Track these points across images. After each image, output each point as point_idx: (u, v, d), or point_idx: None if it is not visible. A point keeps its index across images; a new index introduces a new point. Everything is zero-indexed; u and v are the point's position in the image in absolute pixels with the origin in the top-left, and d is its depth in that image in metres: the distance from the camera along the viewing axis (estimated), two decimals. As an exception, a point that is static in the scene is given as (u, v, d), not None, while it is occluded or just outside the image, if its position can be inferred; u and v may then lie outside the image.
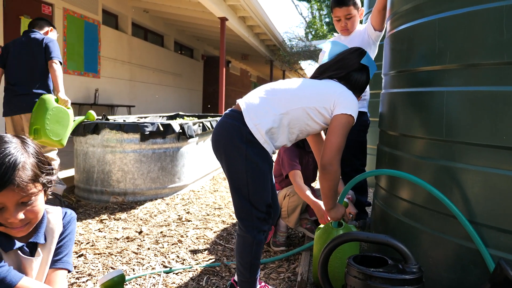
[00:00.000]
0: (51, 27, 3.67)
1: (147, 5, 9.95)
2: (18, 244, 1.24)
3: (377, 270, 1.34)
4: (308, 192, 2.25)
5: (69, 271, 1.41)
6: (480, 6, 1.39)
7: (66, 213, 1.41)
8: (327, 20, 20.98)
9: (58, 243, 1.38)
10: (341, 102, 1.63)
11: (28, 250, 1.29)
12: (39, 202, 1.22)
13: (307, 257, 2.27)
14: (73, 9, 7.79)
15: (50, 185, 1.27)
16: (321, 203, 2.13)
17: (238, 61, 18.61)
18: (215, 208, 3.46)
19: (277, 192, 2.49)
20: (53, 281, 1.35)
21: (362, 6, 2.73)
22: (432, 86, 1.58)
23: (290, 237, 2.68)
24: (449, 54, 1.50)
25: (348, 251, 1.85)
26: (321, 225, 2.06)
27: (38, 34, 3.44)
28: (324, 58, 1.90)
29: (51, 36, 3.60)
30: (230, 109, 1.71)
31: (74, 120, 3.32)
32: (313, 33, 19.94)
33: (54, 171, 1.28)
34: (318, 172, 1.68)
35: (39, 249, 1.32)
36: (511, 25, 1.30)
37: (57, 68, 3.31)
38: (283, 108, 1.62)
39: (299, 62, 17.10)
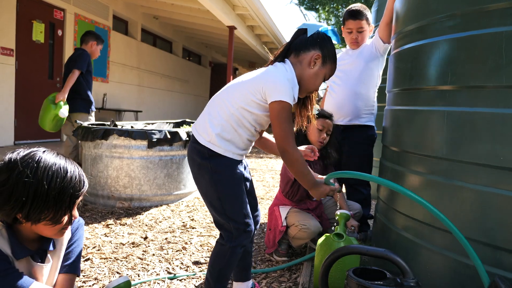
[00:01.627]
0: (95, 41, 4.48)
1: (157, 12, 10.10)
2: (29, 252, 1.32)
3: (375, 283, 1.38)
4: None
5: (77, 276, 1.47)
6: (481, 30, 1.45)
7: (74, 224, 1.50)
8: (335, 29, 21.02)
9: (66, 249, 1.45)
10: (268, 88, 1.56)
11: (38, 257, 1.37)
12: None
13: (309, 268, 2.31)
14: (84, 15, 7.94)
15: None
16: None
17: (246, 68, 18.74)
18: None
19: (288, 209, 2.52)
20: (62, 285, 1.42)
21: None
22: (434, 106, 1.63)
23: (292, 247, 2.72)
24: (450, 75, 1.55)
25: (348, 263, 1.89)
26: (323, 237, 2.10)
27: (78, 50, 4.43)
28: None
29: (93, 49, 4.49)
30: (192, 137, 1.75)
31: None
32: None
33: None
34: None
35: (48, 255, 1.40)
36: (510, 49, 1.35)
37: (72, 75, 4.24)
38: (222, 112, 1.62)
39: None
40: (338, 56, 3.04)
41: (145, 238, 2.81)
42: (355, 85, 2.79)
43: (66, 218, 1.32)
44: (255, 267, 2.40)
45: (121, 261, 2.38)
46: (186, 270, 2.30)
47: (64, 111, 4.17)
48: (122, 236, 2.84)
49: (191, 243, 2.76)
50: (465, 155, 1.48)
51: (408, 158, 1.80)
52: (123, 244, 2.66)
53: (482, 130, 1.43)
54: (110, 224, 3.09)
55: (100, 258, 2.40)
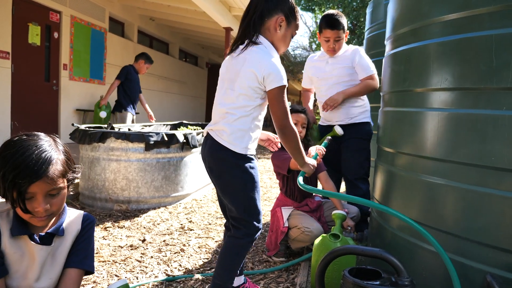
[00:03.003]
0: (143, 60, 5.97)
1: (153, 13, 10.10)
2: (25, 231, 1.33)
3: (370, 282, 1.41)
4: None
5: (89, 273, 1.49)
6: (472, 34, 1.47)
7: (87, 216, 1.52)
8: (330, 30, 21.07)
9: (76, 242, 1.46)
10: (268, 76, 1.63)
11: (38, 240, 1.36)
12: (62, 196, 1.34)
13: (306, 268, 2.33)
14: (81, 17, 7.93)
15: (73, 182, 1.40)
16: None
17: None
18: (217, 218, 3.53)
19: (290, 210, 2.56)
20: (67, 278, 1.43)
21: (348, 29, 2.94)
22: (427, 107, 1.66)
23: (290, 248, 2.74)
24: (442, 78, 1.58)
25: (345, 263, 1.92)
26: (320, 237, 2.13)
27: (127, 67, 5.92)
28: None
29: (141, 66, 6.00)
30: (206, 134, 1.82)
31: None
32: (317, 42, 20.08)
33: (78, 169, 1.41)
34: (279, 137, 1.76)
35: (54, 241, 1.40)
36: (500, 52, 1.38)
37: (112, 83, 5.88)
38: (237, 114, 1.69)
39: (302, 71, 17.20)
40: (315, 63, 3.17)
41: (143, 240, 2.82)
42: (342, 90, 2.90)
43: (20, 205, 1.26)
44: (253, 268, 2.42)
45: (120, 263, 2.40)
46: (185, 272, 2.32)
47: (102, 113, 6.56)
48: (120, 238, 2.85)
49: (189, 245, 2.78)
50: (457, 156, 1.50)
51: (402, 159, 1.82)
52: (121, 247, 2.67)
53: (474, 131, 1.46)
54: (108, 227, 3.10)
55: (99, 261, 2.42)
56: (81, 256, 1.45)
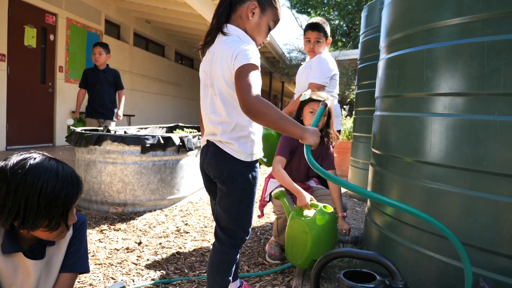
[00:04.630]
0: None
1: (149, 16, 10.11)
2: (18, 249, 1.32)
3: (365, 285, 1.43)
4: (287, 178, 2.38)
5: (82, 273, 1.50)
6: (464, 40, 1.50)
7: (77, 218, 1.48)
8: (326, 32, 21.16)
9: (69, 246, 1.45)
10: (235, 58, 1.47)
11: (34, 253, 1.36)
12: None
13: (301, 271, 2.35)
14: (76, 19, 7.93)
15: None
16: (303, 191, 2.29)
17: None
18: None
19: (277, 185, 2.61)
20: (60, 284, 1.44)
21: (330, 36, 3.14)
22: (420, 112, 1.68)
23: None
24: (435, 83, 1.60)
25: (314, 229, 2.11)
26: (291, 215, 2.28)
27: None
28: None
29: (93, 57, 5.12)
30: (206, 142, 1.70)
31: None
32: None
33: None
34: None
35: (47, 251, 1.39)
36: (491, 59, 1.41)
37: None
38: (232, 121, 1.58)
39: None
40: (302, 67, 3.27)
41: (139, 243, 2.83)
42: None
43: (62, 224, 1.31)
44: (249, 270, 2.43)
45: (116, 266, 2.40)
46: (181, 275, 2.33)
47: (69, 120, 4.99)
48: (116, 241, 2.86)
49: (185, 247, 2.79)
50: (450, 160, 1.53)
51: (396, 163, 1.85)
52: (118, 250, 2.68)
53: (466, 136, 1.48)
54: (104, 230, 3.10)
55: (95, 264, 2.42)
56: (74, 259, 1.45)
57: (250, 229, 1.71)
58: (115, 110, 5.06)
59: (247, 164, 1.62)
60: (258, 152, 1.67)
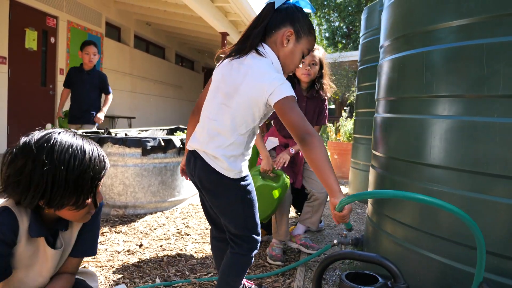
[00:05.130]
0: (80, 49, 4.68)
1: (150, 18, 10.14)
2: (45, 233, 1.27)
3: (367, 287, 1.43)
4: (261, 143, 2.58)
5: (93, 255, 1.48)
6: (464, 42, 1.51)
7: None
8: (326, 34, 21.25)
9: (82, 231, 1.39)
10: (272, 90, 1.45)
11: (52, 239, 1.31)
12: None
13: (302, 273, 2.35)
14: (77, 22, 7.95)
15: None
16: (268, 158, 2.52)
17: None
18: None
19: (275, 144, 2.76)
20: (66, 265, 1.39)
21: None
22: (420, 114, 1.69)
23: (286, 252, 2.76)
24: (435, 85, 1.61)
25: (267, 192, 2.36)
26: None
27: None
28: None
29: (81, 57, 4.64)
30: (191, 150, 1.64)
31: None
32: (312, 47, 20.16)
33: None
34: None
35: (60, 236, 1.35)
36: (491, 61, 1.41)
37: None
38: (232, 138, 1.54)
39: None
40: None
41: (140, 245, 2.83)
42: None
43: (89, 202, 1.26)
44: (250, 272, 2.43)
45: (117, 269, 2.41)
46: (182, 277, 2.33)
47: (48, 125, 4.46)
48: (117, 244, 2.86)
49: (186, 249, 2.79)
50: (450, 162, 1.53)
51: (396, 165, 1.85)
52: (119, 252, 2.68)
53: (465, 138, 1.49)
54: (105, 232, 3.10)
55: (96, 266, 2.43)
56: (86, 246, 1.40)
57: (259, 229, 1.68)
58: (94, 113, 4.66)
59: (236, 179, 1.58)
60: (246, 169, 1.62)
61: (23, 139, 1.19)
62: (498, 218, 1.41)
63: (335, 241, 2.38)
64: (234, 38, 9.59)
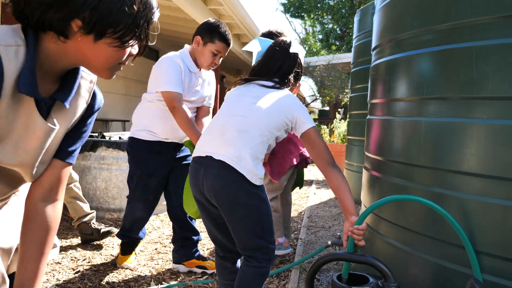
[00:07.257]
0: None
1: (143, 21, 10.13)
2: (37, 93, 0.93)
3: (358, 287, 1.45)
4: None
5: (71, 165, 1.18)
6: (453, 45, 1.53)
7: (99, 97, 1.20)
8: (320, 36, 21.34)
9: (78, 124, 1.15)
10: (298, 117, 1.63)
11: (44, 105, 1.01)
12: None
13: (297, 274, 2.36)
14: (70, 25, 7.93)
15: None
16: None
17: (233, 76, 18.82)
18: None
19: None
20: (52, 168, 1.13)
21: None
22: (411, 116, 1.71)
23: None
24: (425, 87, 1.63)
25: None
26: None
27: None
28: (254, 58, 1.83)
29: None
30: (209, 158, 1.53)
31: None
32: (306, 49, 20.26)
33: None
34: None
35: (53, 117, 1.03)
36: (480, 63, 1.44)
37: None
38: (260, 137, 1.56)
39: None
40: None
41: (135, 248, 2.83)
42: None
43: (132, 43, 1.02)
44: (244, 275, 2.44)
45: (112, 272, 2.40)
46: (176, 280, 2.34)
47: None
48: (112, 247, 2.86)
49: (180, 252, 2.79)
50: (441, 163, 1.55)
51: (388, 166, 1.87)
52: (113, 256, 2.68)
53: (456, 139, 1.51)
54: (99, 236, 3.10)
55: (91, 270, 2.42)
56: (75, 146, 1.15)
57: (274, 238, 1.63)
58: None
59: (256, 185, 1.54)
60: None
61: None
62: (488, 218, 1.43)
63: (329, 242, 2.39)
64: (228, 40, 9.60)
